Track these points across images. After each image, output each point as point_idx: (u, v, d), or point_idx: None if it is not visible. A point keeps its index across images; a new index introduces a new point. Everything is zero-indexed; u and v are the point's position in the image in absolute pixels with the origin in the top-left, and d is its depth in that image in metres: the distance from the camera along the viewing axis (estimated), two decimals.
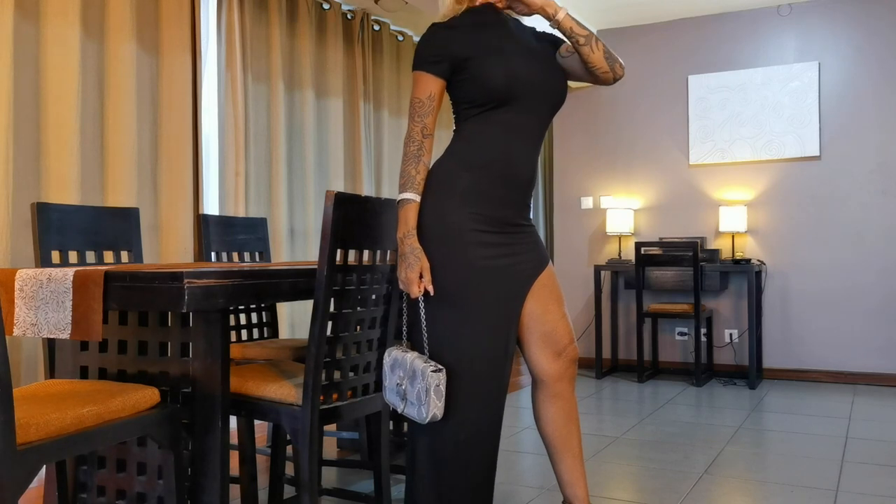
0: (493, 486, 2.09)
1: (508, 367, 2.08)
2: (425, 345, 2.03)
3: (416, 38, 5.69)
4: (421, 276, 1.97)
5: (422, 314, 2.03)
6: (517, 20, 2.19)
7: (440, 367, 1.92)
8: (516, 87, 2.02)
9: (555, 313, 2.15)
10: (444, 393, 1.91)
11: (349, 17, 4.97)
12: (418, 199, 2.01)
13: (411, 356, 1.96)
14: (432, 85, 2.02)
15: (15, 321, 1.84)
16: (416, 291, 1.97)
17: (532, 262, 2.12)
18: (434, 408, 1.90)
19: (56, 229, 2.42)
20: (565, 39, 2.14)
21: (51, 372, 2.22)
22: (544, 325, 2.13)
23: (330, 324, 2.07)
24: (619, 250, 5.82)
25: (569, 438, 2.17)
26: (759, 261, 5.39)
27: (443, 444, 2.00)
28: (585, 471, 2.20)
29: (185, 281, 1.72)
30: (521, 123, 2.06)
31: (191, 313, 1.98)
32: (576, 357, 2.18)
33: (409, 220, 1.99)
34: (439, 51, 2.02)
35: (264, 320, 3.25)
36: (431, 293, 1.99)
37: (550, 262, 2.19)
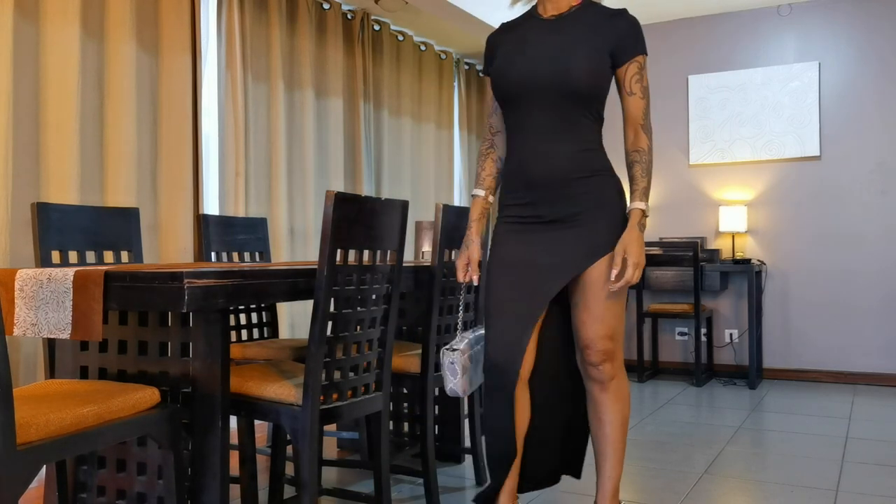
0: (514, 424, 2.08)
1: (527, 305, 2.06)
2: (459, 323, 2.37)
3: (417, 39, 5.68)
4: (469, 266, 2.18)
5: (461, 298, 2.47)
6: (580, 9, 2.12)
7: (455, 347, 2.09)
8: (508, 87, 2.09)
9: (579, 317, 2.10)
10: (458, 371, 2.07)
11: (349, 17, 4.97)
12: (482, 193, 2.24)
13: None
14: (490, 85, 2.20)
15: (15, 321, 1.84)
16: (460, 277, 2.19)
17: (568, 260, 2.07)
18: (449, 382, 2.10)
19: (56, 229, 2.41)
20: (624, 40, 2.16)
21: (51, 372, 2.22)
22: (575, 326, 2.13)
23: (330, 324, 2.07)
24: None
25: (598, 435, 2.20)
26: (759, 261, 5.39)
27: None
28: (614, 471, 2.21)
29: (185, 281, 1.72)
30: (532, 121, 2.09)
31: (191, 313, 1.98)
32: (596, 362, 2.10)
33: (472, 212, 2.24)
34: (488, 53, 2.23)
35: (264, 320, 3.25)
36: (475, 283, 2.19)
37: (602, 259, 2.07)
